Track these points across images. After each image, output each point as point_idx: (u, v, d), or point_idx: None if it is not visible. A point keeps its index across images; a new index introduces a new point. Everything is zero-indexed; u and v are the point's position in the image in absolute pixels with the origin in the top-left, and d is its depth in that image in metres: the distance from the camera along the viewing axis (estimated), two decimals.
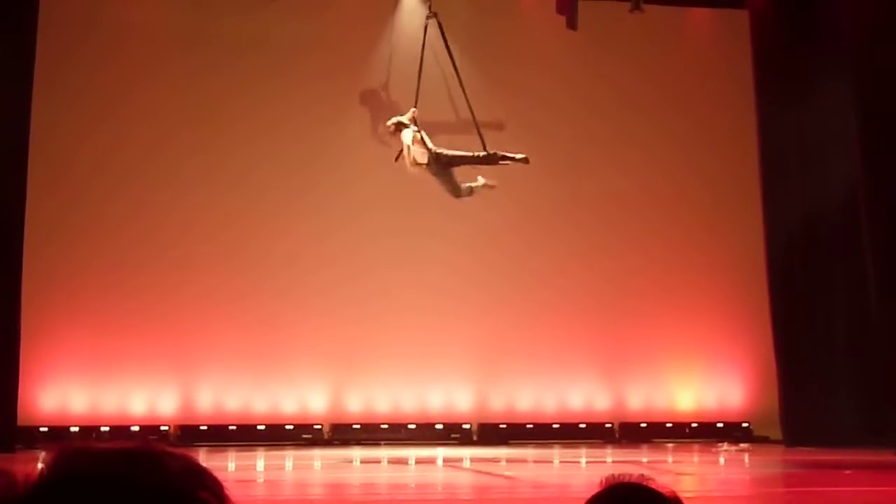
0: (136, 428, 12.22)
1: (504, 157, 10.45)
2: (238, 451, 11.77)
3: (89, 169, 12.44)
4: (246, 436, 12.43)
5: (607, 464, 10.32)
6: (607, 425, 13.13)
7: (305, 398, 12.76)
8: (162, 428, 12.38)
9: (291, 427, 12.61)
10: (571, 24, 12.99)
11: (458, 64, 11.12)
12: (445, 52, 10.98)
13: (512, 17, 13.37)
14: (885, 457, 10.40)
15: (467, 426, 12.91)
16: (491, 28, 13.29)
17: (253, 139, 12.77)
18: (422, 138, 10.56)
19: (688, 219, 13.46)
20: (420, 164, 10.40)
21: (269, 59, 12.85)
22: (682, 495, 1.77)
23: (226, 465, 9.86)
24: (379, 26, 13.15)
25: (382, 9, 13.13)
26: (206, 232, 12.62)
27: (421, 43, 11.08)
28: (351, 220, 12.82)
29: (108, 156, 12.47)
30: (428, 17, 11.13)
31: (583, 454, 11.77)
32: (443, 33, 10.86)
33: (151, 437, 11.85)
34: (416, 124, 10.62)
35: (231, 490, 1.33)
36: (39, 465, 1.30)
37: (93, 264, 12.40)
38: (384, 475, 10.17)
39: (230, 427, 12.48)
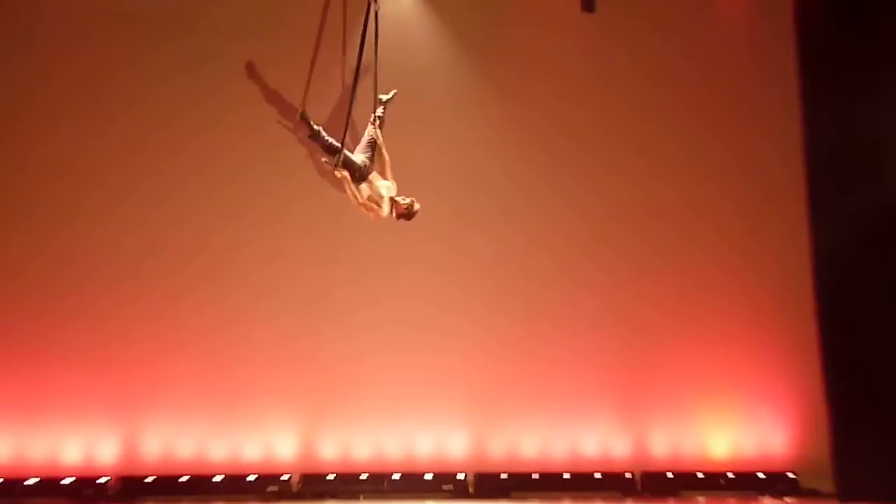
0: (69, 480, 10.93)
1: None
2: None
3: (31, 190, 11.33)
4: (200, 489, 11.11)
5: None
6: (627, 475, 11.73)
7: (271, 443, 11.40)
8: (100, 480, 11.03)
9: (254, 478, 11.25)
10: (588, 7, 11.91)
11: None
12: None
13: (518, 21, 12.19)
14: None
15: (462, 476, 11.55)
16: (496, 32, 12.13)
17: (216, 158, 11.57)
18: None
19: (718, 239, 12.10)
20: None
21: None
22: None
23: None
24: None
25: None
26: (148, 252, 11.42)
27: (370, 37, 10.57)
28: (326, 244, 11.61)
29: (52, 180, 11.35)
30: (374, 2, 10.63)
31: None
32: (376, 24, 10.44)
33: (87, 491, 10.85)
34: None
35: None
36: None
37: (20, 289, 11.15)
38: None
39: (181, 479, 11.13)
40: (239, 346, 11.30)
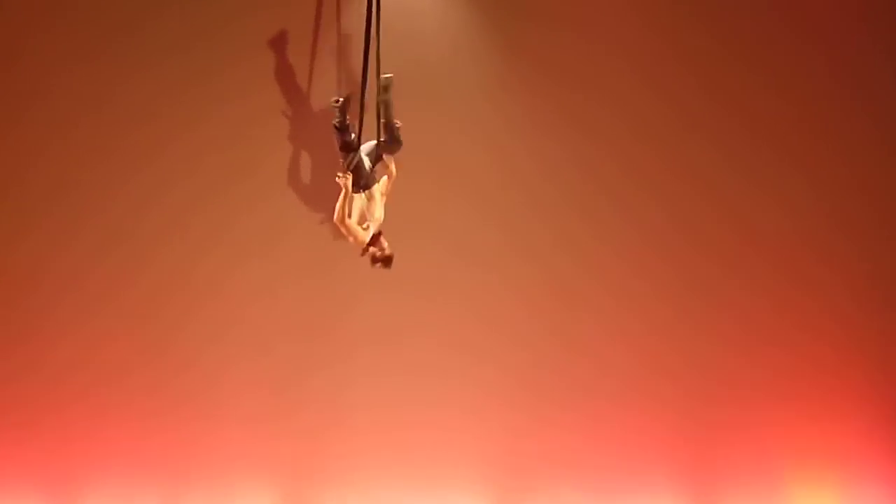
0: None
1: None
2: None
3: None
4: None
5: None
6: None
7: None
8: None
9: None
10: None
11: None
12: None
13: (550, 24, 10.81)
14: None
15: None
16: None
17: (189, 170, 10.28)
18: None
19: (815, 267, 10.72)
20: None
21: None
22: None
23: None
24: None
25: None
26: (107, 289, 9.98)
27: None
28: (314, 278, 10.29)
29: None
30: None
31: None
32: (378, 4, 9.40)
33: None
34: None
35: None
36: None
37: None
38: None
39: None
40: (200, 398, 9.96)
